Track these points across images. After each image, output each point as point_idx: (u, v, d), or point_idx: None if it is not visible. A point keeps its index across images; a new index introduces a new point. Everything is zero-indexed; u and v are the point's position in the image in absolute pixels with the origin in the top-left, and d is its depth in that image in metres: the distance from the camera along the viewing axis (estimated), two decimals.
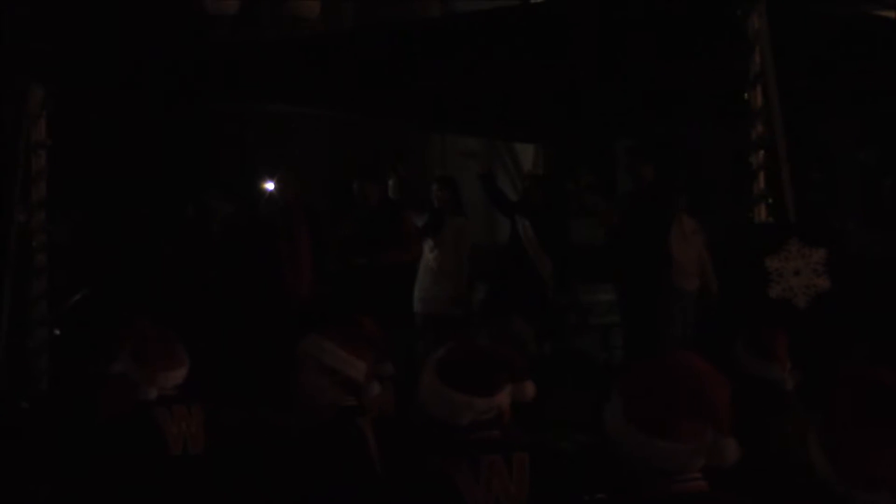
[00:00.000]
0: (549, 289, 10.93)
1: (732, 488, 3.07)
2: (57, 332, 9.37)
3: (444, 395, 3.93)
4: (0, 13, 12.98)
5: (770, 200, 6.48)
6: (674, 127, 11.41)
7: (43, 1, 12.82)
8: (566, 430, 6.79)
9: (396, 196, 11.35)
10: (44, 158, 8.73)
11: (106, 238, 12.01)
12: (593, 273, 11.09)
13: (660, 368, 3.07)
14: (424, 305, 10.55)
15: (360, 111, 11.41)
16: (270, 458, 4.77)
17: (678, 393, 2.98)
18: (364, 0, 13.69)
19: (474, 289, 12.29)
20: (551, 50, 7.97)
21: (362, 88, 9.54)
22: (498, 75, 8.76)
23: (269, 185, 11.39)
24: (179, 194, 12.32)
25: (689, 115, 10.44)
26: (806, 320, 6.27)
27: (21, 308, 8.64)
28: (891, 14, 7.51)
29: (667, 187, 10.39)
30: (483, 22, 7.83)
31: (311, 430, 4.75)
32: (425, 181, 12.15)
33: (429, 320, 10.54)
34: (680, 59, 8.04)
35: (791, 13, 6.57)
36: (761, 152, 6.49)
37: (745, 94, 6.54)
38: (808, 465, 5.14)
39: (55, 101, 8.79)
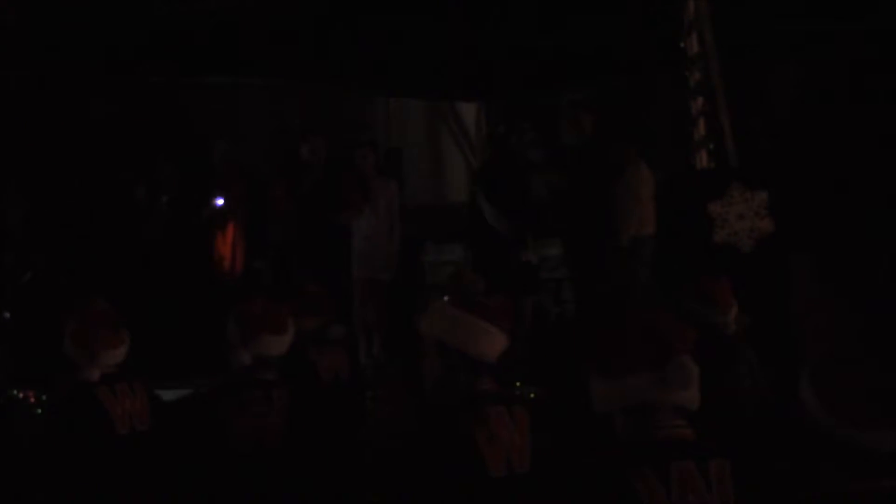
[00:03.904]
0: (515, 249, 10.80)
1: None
2: (7, 315, 9.25)
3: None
4: None
5: (711, 146, 6.46)
6: (614, 78, 11.34)
7: None
8: (520, 383, 6.78)
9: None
10: None
11: (55, 218, 11.89)
12: (542, 228, 11.01)
13: (614, 321, 3.05)
14: (360, 269, 10.46)
15: (301, 78, 11.30)
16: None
17: (630, 330, 2.98)
18: None
19: (424, 250, 12.23)
20: (488, 6, 7.89)
21: (301, 54, 9.44)
22: (436, 34, 8.67)
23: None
24: (127, 171, 12.20)
25: (629, 65, 10.36)
26: (752, 263, 6.26)
27: None
28: None
29: (608, 140, 10.32)
30: None
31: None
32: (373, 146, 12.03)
33: (365, 283, 10.45)
34: (618, 9, 7.98)
35: None
36: (700, 98, 6.46)
37: (681, 42, 6.50)
38: (763, 407, 5.15)
39: None
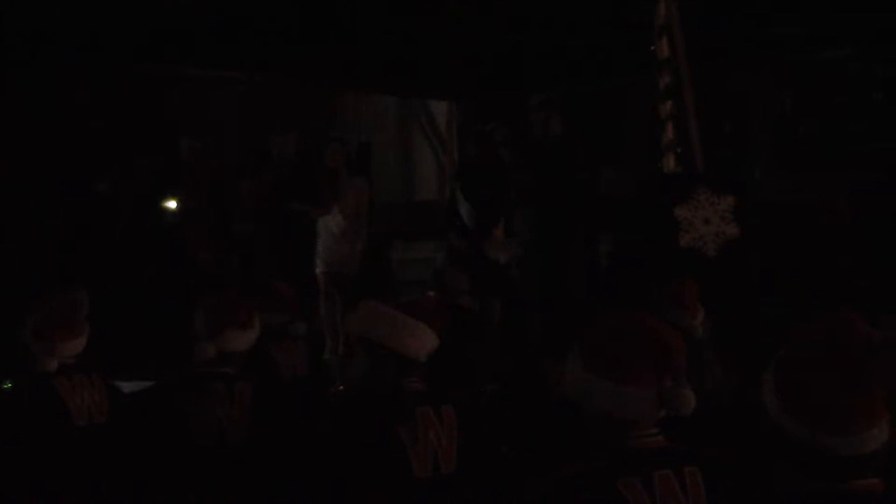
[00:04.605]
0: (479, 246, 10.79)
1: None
2: None
3: None
4: None
5: (679, 150, 6.46)
6: (586, 80, 11.36)
7: None
8: (480, 381, 6.77)
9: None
10: None
11: (21, 203, 11.84)
12: (508, 227, 11.00)
13: (617, 321, 3.02)
14: (327, 266, 10.43)
15: (274, 72, 11.28)
16: None
17: (637, 339, 2.95)
18: None
19: (393, 247, 12.22)
20: (463, 4, 7.87)
21: (274, 49, 9.41)
22: (410, 32, 8.66)
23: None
24: (97, 163, 12.17)
25: (600, 67, 10.37)
26: (716, 267, 6.27)
27: None
28: None
29: (576, 140, 10.33)
30: None
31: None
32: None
33: (332, 280, 10.42)
34: (589, 13, 7.99)
35: None
36: (669, 102, 6.46)
37: (652, 46, 6.50)
38: (727, 410, 5.15)
39: None
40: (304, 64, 10.49)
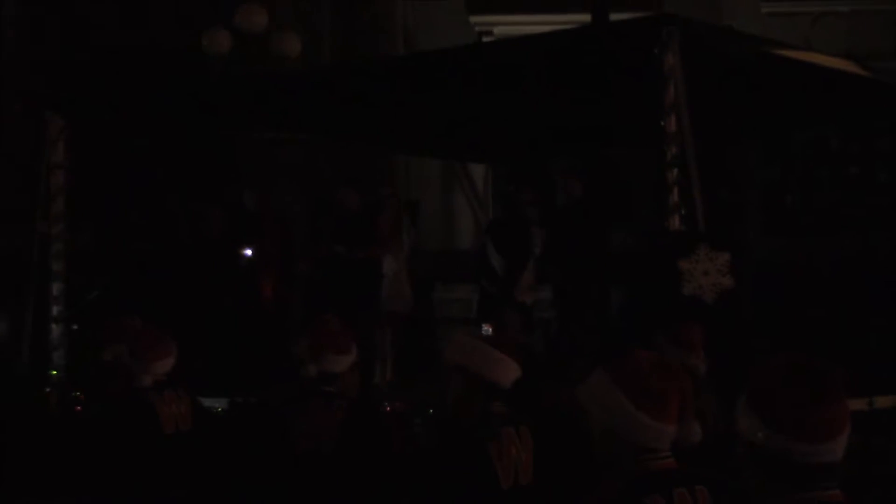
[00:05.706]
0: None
1: None
2: (75, 327, 9.27)
3: None
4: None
5: (683, 211, 6.49)
6: (603, 149, 11.41)
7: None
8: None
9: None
10: (62, 177, 8.66)
11: (117, 244, 11.97)
12: (537, 275, 11.05)
13: (651, 359, 2.99)
14: (384, 304, 10.52)
15: (336, 136, 11.39)
16: None
17: (674, 381, 2.94)
18: (339, 39, 13.70)
19: (434, 288, 12.30)
20: (499, 82, 7.95)
21: (337, 116, 9.51)
22: (453, 104, 8.75)
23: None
24: (178, 207, 12.31)
25: (617, 138, 10.44)
26: (713, 313, 6.28)
27: (42, 307, 8.58)
28: (786, 53, 7.54)
29: (595, 201, 10.38)
30: (442, 59, 7.81)
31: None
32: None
33: (386, 315, 10.50)
34: (608, 92, 8.06)
35: (700, 52, 6.57)
36: (675, 170, 6.50)
37: (662, 122, 6.55)
38: (724, 438, 5.15)
39: (72, 128, 8.72)
40: (361, 128, 10.59)
